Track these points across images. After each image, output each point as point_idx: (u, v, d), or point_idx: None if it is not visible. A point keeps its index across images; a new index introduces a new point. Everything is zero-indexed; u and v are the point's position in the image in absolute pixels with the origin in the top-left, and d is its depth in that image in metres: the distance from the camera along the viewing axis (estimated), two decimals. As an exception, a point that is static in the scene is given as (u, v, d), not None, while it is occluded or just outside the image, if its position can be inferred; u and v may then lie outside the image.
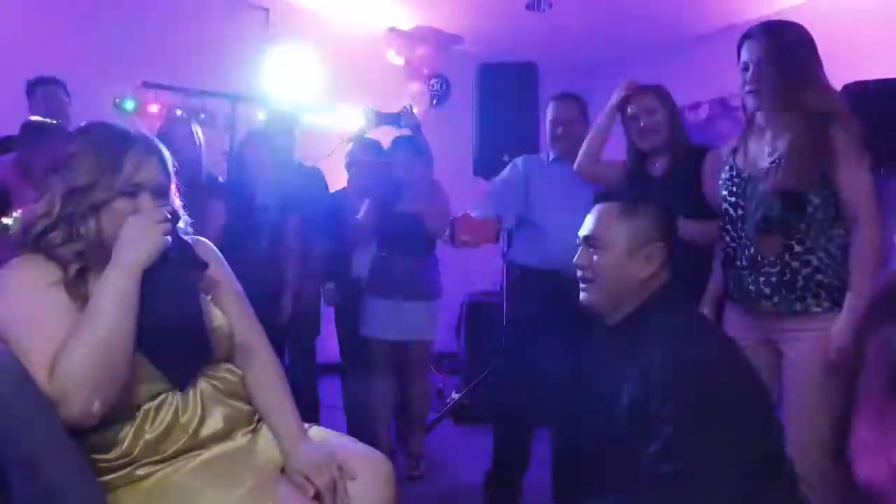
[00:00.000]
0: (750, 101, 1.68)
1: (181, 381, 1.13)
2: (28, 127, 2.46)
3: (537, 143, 3.40)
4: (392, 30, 4.99)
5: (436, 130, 3.51)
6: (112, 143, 1.12)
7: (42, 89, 2.89)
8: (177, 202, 1.24)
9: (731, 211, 1.70)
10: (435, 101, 5.26)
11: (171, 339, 1.10)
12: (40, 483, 0.93)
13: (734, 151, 1.75)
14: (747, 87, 1.66)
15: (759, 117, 1.70)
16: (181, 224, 1.24)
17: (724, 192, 1.73)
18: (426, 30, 4.97)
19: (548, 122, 2.42)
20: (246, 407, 1.23)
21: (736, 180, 1.69)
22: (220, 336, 1.21)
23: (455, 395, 3.76)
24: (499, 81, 3.40)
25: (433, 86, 5.26)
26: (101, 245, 1.09)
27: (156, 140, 1.19)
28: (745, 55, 1.68)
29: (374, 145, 3.08)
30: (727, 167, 1.74)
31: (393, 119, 3.16)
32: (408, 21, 4.90)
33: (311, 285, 2.86)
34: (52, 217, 1.09)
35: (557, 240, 2.17)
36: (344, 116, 4.29)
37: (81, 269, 1.09)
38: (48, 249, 1.09)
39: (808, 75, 1.60)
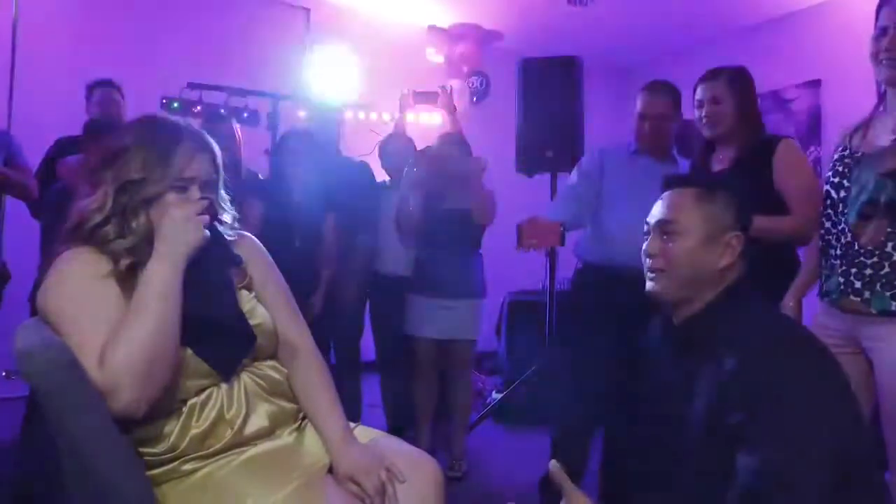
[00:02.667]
0: (884, 72, 1.48)
1: (225, 371, 1.13)
2: (90, 127, 2.52)
3: (581, 140, 3.33)
4: (432, 27, 4.97)
5: (476, 127, 3.48)
6: (163, 137, 1.13)
7: (99, 91, 2.97)
8: (224, 197, 1.24)
9: (834, 193, 1.53)
10: (475, 99, 5.23)
11: (210, 331, 1.10)
12: (92, 475, 0.93)
13: (855, 131, 1.57)
14: (883, 55, 1.46)
15: (891, 95, 1.50)
16: (227, 219, 1.24)
17: (829, 174, 1.56)
18: (466, 27, 4.93)
19: (636, 114, 2.26)
20: (290, 405, 1.22)
21: (847, 160, 1.52)
22: (263, 333, 1.20)
23: (496, 395, 3.71)
24: (542, 76, 3.34)
25: (473, 83, 5.22)
26: (150, 239, 1.09)
27: (206, 135, 1.19)
28: (884, 19, 1.48)
29: (410, 142, 3.07)
30: (840, 147, 1.57)
31: (429, 98, 3.13)
32: (447, 18, 4.87)
33: (354, 283, 2.85)
34: (105, 211, 1.10)
35: (622, 236, 2.08)
36: (384, 114, 4.30)
37: (132, 262, 1.09)
38: (101, 243, 1.09)
39: None
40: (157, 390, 1.00)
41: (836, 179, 1.53)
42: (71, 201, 1.14)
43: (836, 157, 1.58)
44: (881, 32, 1.48)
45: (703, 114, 1.95)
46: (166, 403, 1.06)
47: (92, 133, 2.47)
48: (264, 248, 1.33)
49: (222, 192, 1.23)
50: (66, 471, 0.93)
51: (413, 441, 2.78)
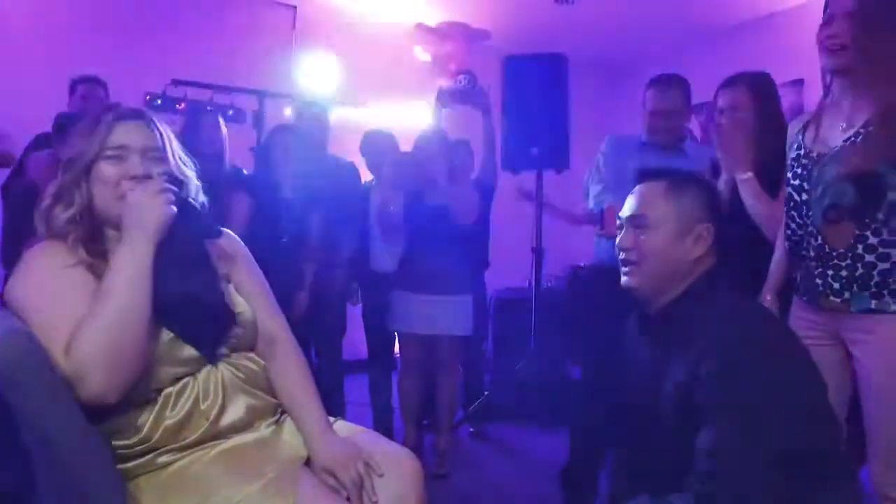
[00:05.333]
0: (827, 60, 1.46)
1: (208, 351, 1.12)
2: (59, 121, 2.49)
3: (566, 137, 3.34)
4: (419, 25, 4.95)
5: (463, 126, 3.49)
6: (98, 111, 1.15)
7: (82, 87, 2.94)
8: (188, 173, 1.20)
9: (796, 196, 1.52)
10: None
11: (190, 309, 1.09)
12: (61, 469, 0.92)
13: (804, 127, 1.55)
14: (827, 42, 1.44)
15: (837, 86, 1.49)
16: (191, 188, 1.20)
17: (789, 175, 1.55)
18: (453, 25, 4.92)
19: (646, 111, 2.23)
20: (269, 397, 1.21)
21: (803, 161, 1.51)
22: (243, 324, 1.19)
23: (482, 392, 3.71)
24: (527, 73, 3.34)
25: (461, 81, 5.21)
26: (91, 210, 1.10)
27: (144, 109, 1.19)
28: (832, 7, 1.47)
29: (388, 138, 3.07)
30: (794, 145, 1.55)
31: (465, 98, 3.10)
32: (435, 16, 4.86)
33: (337, 284, 2.83)
34: (55, 191, 1.11)
35: None
36: (371, 112, 4.29)
37: (103, 251, 1.08)
38: (55, 225, 1.10)
39: None
40: (127, 377, 0.99)
41: (797, 182, 1.52)
42: (37, 197, 1.14)
43: (793, 155, 1.56)
44: (828, 20, 1.47)
45: (723, 121, 1.93)
46: (140, 392, 1.05)
47: (61, 127, 2.44)
48: (242, 243, 1.32)
49: (183, 166, 1.20)
50: (36, 465, 0.92)
51: (400, 439, 2.79)
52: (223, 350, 1.16)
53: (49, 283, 1.04)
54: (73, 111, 2.85)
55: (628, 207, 1.22)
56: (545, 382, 3.45)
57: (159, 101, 3.46)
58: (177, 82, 3.59)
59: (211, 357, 1.13)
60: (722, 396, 0.95)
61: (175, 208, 1.08)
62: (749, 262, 1.66)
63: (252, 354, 1.22)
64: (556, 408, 3.18)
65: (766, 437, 0.94)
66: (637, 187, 1.22)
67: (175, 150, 1.19)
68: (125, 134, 1.12)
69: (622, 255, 1.20)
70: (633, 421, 0.99)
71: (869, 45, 1.38)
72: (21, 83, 3.60)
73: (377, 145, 3.07)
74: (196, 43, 4.03)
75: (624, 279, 1.20)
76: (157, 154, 1.15)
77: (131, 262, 1.03)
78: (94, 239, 1.11)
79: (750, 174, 1.75)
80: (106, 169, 1.10)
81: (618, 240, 1.21)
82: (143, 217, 1.05)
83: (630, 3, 4.46)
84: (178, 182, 1.13)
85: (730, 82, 1.95)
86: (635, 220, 1.19)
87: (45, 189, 1.25)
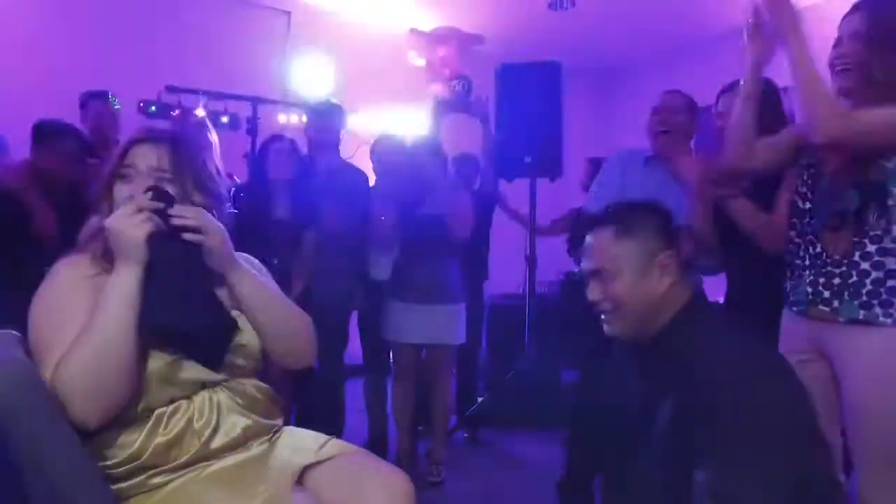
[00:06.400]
0: (838, 81, 1.49)
1: (213, 365, 1.13)
2: (38, 130, 2.46)
3: (560, 145, 3.35)
4: (413, 31, 4.97)
5: (457, 132, 3.50)
6: (128, 134, 1.19)
7: (93, 103, 2.92)
8: (206, 200, 1.18)
9: (800, 203, 1.54)
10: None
11: (189, 326, 1.08)
12: (54, 492, 0.92)
13: None
14: (836, 63, 1.47)
15: (843, 104, 1.50)
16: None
17: (798, 181, 1.57)
18: (447, 30, 4.94)
19: (650, 112, 2.27)
20: (265, 420, 1.21)
21: (811, 170, 1.53)
22: (248, 354, 1.20)
23: (477, 400, 3.71)
24: (521, 81, 3.35)
25: (455, 87, 5.22)
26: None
27: (170, 130, 1.21)
28: (840, 30, 1.49)
29: (398, 144, 3.04)
30: (808, 153, 1.56)
31: (462, 107, 3.10)
32: (429, 22, 4.88)
33: (337, 297, 2.80)
34: (93, 205, 1.17)
35: None
36: (366, 118, 4.29)
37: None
38: (85, 235, 1.16)
39: None
40: (110, 405, 1.00)
41: (804, 190, 1.54)
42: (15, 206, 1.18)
43: (803, 162, 1.57)
44: (836, 42, 1.50)
45: (720, 124, 1.96)
46: (132, 412, 1.05)
47: (39, 135, 2.43)
48: (255, 260, 1.32)
49: (196, 190, 1.16)
50: (28, 488, 0.92)
51: (395, 447, 2.79)
52: (223, 375, 1.16)
53: (56, 301, 1.06)
54: (84, 125, 2.83)
55: (586, 262, 1.22)
56: (539, 388, 3.47)
57: (153, 108, 3.46)
58: (170, 89, 3.59)
59: (217, 368, 1.14)
60: (721, 432, 0.95)
61: (157, 225, 1.05)
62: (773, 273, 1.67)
63: (256, 381, 1.23)
64: (550, 413, 3.19)
65: (768, 469, 0.94)
66: (587, 239, 1.22)
67: (191, 172, 1.17)
68: (135, 155, 1.14)
69: (596, 307, 1.21)
70: (622, 448, 0.99)
71: (872, 67, 1.39)
72: (16, 90, 3.59)
73: (383, 150, 3.05)
74: (191, 49, 4.03)
75: (606, 328, 1.22)
76: (164, 175, 1.14)
77: (114, 291, 1.03)
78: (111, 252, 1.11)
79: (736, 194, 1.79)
80: (118, 188, 1.13)
81: (588, 292, 1.22)
82: (121, 242, 1.04)
83: (624, 10, 4.48)
84: (167, 197, 1.09)
85: (730, 87, 1.97)
86: (596, 275, 1.20)
87: (21, 196, 1.27)
